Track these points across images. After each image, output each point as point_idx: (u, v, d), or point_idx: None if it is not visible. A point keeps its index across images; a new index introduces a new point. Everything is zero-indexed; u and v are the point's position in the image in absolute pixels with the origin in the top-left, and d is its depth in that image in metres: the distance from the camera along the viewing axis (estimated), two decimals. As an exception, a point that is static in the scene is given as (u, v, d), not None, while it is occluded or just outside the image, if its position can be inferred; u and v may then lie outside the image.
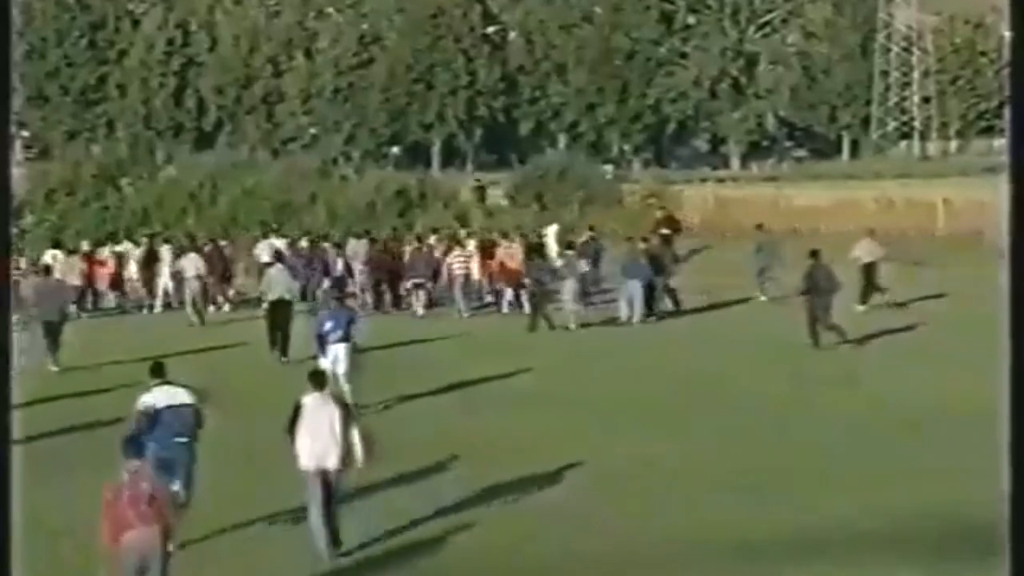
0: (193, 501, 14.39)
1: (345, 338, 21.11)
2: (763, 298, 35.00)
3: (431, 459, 17.61)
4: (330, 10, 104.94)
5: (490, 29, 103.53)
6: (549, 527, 14.75)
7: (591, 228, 39.99)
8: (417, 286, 34.23)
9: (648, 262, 31.73)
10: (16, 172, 53.33)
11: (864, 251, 33.29)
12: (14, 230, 40.55)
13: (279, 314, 26.34)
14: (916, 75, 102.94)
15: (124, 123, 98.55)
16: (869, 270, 33.08)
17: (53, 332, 25.77)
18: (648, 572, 13.48)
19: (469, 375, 24.00)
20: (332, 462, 13.87)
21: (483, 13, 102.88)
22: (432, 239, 37.35)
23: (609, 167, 78.81)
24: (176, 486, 13.72)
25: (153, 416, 14.32)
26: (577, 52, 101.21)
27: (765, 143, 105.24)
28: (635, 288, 31.03)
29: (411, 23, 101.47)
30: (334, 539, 13.86)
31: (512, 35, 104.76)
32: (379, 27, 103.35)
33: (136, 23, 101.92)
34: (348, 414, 14.28)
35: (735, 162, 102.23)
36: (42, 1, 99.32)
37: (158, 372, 14.89)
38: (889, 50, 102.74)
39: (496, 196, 56.04)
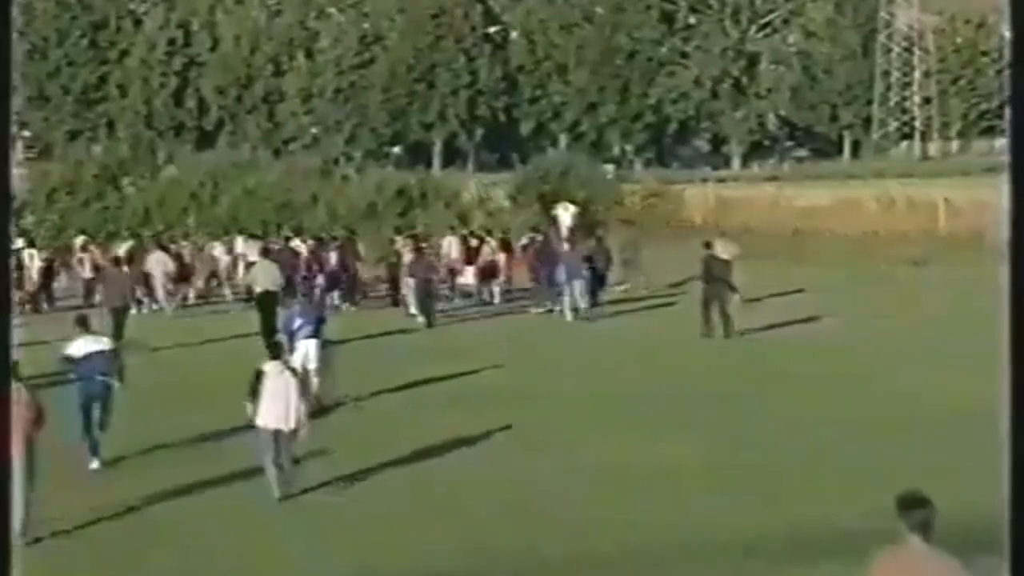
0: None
1: (314, 334, 21.32)
2: (620, 288, 36.56)
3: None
4: (331, 10, 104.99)
5: (491, 29, 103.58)
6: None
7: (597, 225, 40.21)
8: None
9: (585, 262, 33.01)
10: (17, 172, 53.38)
11: (719, 250, 33.80)
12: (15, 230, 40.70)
13: (266, 304, 27.52)
14: (917, 75, 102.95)
15: (125, 123, 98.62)
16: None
17: (119, 317, 27.63)
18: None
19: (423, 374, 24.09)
20: (287, 423, 15.57)
21: (484, 13, 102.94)
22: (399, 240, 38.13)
23: (610, 167, 78.78)
24: (97, 411, 17.05)
25: (79, 360, 17.07)
26: (578, 52, 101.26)
27: (766, 143, 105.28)
28: (576, 287, 32.15)
29: (412, 23, 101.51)
30: (287, 484, 15.70)
31: (513, 35, 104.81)
32: (380, 27, 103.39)
33: (137, 23, 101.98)
34: (302, 383, 16.18)
35: (736, 162, 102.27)
36: (43, 1, 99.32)
37: (82, 324, 17.56)
38: (890, 50, 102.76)
39: (498, 196, 56.01)
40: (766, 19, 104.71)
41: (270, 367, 15.92)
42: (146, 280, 34.85)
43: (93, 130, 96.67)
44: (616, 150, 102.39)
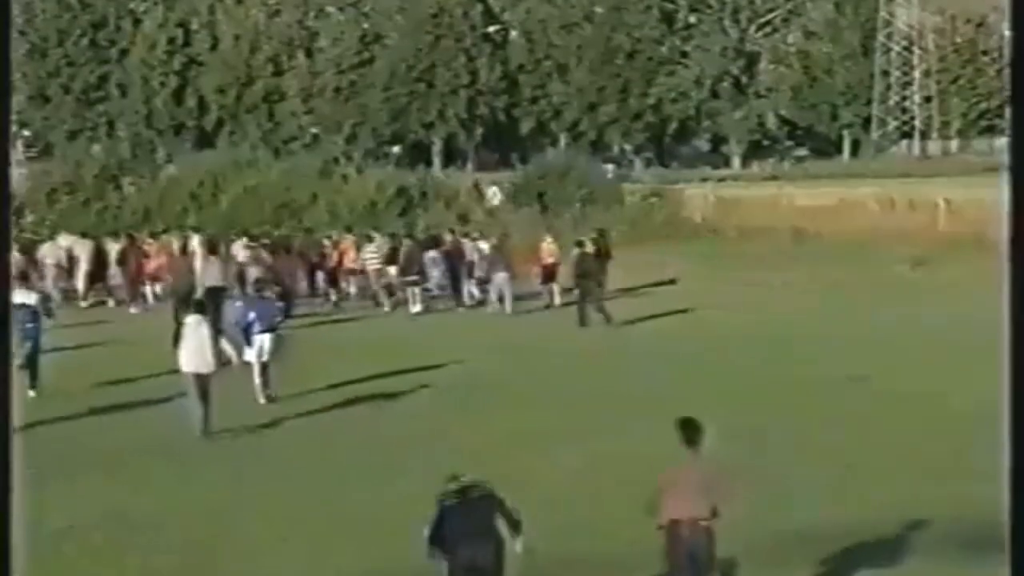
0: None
1: (270, 328, 21.90)
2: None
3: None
4: (331, 9, 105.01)
5: (491, 28, 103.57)
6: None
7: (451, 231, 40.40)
8: (410, 284, 34.98)
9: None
10: (17, 171, 53.42)
11: (589, 248, 34.95)
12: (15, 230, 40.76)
13: (213, 300, 28.84)
14: (917, 74, 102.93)
15: (125, 122, 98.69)
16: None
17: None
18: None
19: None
20: (204, 367, 19.04)
21: (484, 12, 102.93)
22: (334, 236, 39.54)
23: (610, 166, 78.81)
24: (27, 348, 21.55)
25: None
26: (578, 51, 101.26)
27: (766, 142, 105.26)
28: (502, 281, 34.13)
29: (412, 22, 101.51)
30: (206, 418, 19.02)
31: (513, 34, 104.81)
32: (380, 26, 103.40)
33: (137, 22, 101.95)
34: (215, 333, 19.96)
35: (736, 161, 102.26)
36: (44, 0, 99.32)
37: (23, 278, 23.49)
38: (890, 49, 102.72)
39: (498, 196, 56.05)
40: (766, 18, 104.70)
41: (191, 319, 19.56)
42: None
43: (93, 129, 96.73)
44: (616, 150, 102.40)
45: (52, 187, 51.86)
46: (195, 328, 19.31)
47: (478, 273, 36.11)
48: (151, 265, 36.72)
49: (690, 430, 10.94)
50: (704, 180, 68.23)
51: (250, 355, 21.73)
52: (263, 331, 21.83)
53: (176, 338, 19.67)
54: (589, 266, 31.89)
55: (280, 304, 24.17)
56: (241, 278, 32.27)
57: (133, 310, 35.63)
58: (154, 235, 40.27)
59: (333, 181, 52.92)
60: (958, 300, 32.61)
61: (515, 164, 65.49)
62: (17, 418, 15.30)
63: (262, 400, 21.61)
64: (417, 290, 34.92)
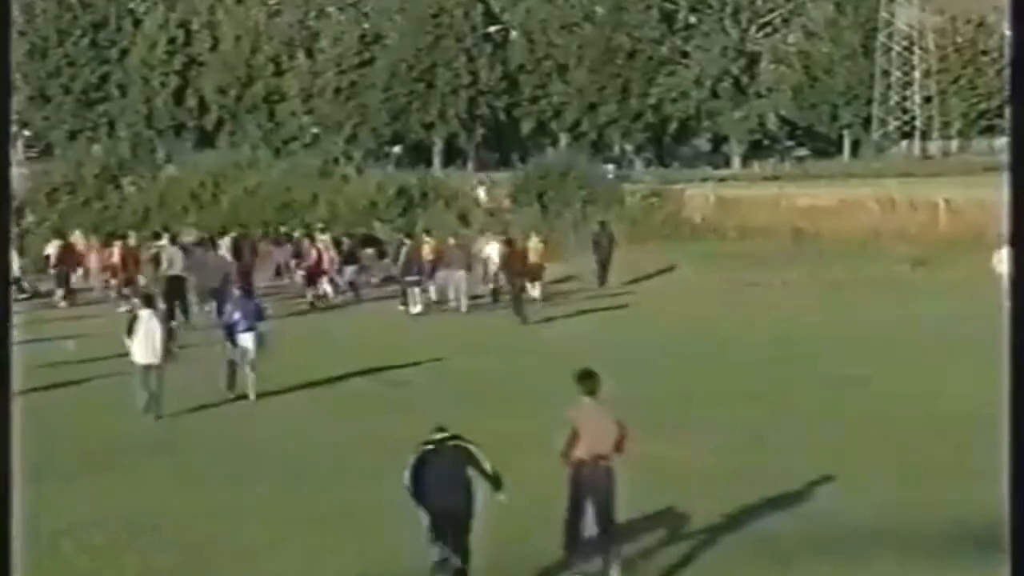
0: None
1: (252, 328, 22.14)
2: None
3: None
4: (331, 9, 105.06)
5: (492, 28, 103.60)
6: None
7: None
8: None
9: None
10: (18, 171, 53.41)
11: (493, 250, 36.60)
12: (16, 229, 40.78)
13: (175, 287, 32.07)
14: (917, 74, 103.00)
15: (126, 122, 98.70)
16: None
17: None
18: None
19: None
20: (154, 359, 20.36)
21: (485, 12, 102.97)
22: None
23: (611, 166, 78.78)
24: None
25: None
26: (579, 51, 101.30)
27: (766, 142, 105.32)
28: (454, 278, 34.87)
29: (412, 22, 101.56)
30: (156, 404, 20.25)
31: (514, 34, 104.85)
32: (380, 26, 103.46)
33: (138, 22, 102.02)
34: (168, 327, 21.56)
35: (736, 161, 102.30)
36: (44, 0, 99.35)
37: None
38: (890, 49, 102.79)
39: (499, 196, 56.06)
40: (766, 18, 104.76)
41: (143, 313, 20.80)
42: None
43: (94, 129, 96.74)
44: (616, 150, 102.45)
45: (52, 187, 51.86)
46: (147, 322, 20.53)
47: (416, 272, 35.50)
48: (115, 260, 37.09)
49: (589, 381, 12.49)
50: (704, 180, 68.24)
51: (234, 354, 22.01)
52: (246, 330, 22.09)
53: (129, 330, 20.62)
54: (515, 263, 33.78)
55: (258, 303, 24.20)
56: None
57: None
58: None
59: (333, 181, 52.89)
60: (958, 300, 32.61)
61: (515, 164, 65.39)
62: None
63: (251, 396, 21.86)
64: (417, 290, 34.90)
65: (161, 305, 25.26)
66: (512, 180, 57.56)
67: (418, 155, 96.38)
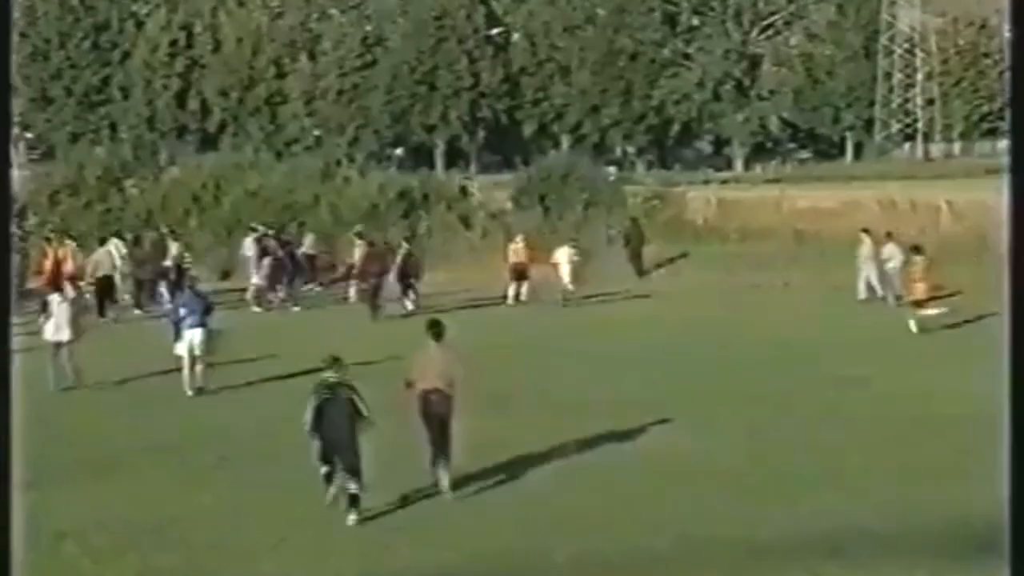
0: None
1: (200, 323, 22.43)
2: None
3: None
4: (333, 11, 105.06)
5: (493, 31, 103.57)
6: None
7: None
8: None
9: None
10: (19, 174, 53.45)
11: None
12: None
13: (104, 286, 35.10)
14: (919, 77, 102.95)
15: (128, 125, 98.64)
16: None
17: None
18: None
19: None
20: (64, 337, 23.40)
21: (486, 15, 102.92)
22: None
23: (612, 169, 78.72)
24: None
25: None
26: (580, 54, 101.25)
27: (768, 145, 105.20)
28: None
29: (414, 24, 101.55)
30: (77, 376, 23.18)
31: (515, 37, 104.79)
32: (382, 29, 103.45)
33: (140, 25, 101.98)
34: (77, 307, 25.31)
35: (738, 164, 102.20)
36: (46, 2, 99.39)
37: None
38: (892, 52, 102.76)
39: (501, 198, 55.98)
40: (768, 21, 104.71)
41: (53, 298, 24.15)
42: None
43: (96, 132, 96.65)
44: (618, 152, 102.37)
45: (54, 189, 51.84)
46: (57, 305, 23.75)
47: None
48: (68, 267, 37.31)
49: (437, 328, 16.14)
50: (706, 182, 68.16)
51: (180, 348, 22.46)
52: (193, 326, 22.33)
53: (43, 310, 23.99)
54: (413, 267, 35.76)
55: (207, 299, 24.16)
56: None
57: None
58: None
59: (335, 183, 52.87)
60: (958, 301, 32.61)
61: (517, 166, 65.30)
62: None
63: (189, 392, 22.05)
64: (411, 292, 35.40)
65: (72, 294, 28.39)
66: (514, 182, 57.56)
67: (420, 157, 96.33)
